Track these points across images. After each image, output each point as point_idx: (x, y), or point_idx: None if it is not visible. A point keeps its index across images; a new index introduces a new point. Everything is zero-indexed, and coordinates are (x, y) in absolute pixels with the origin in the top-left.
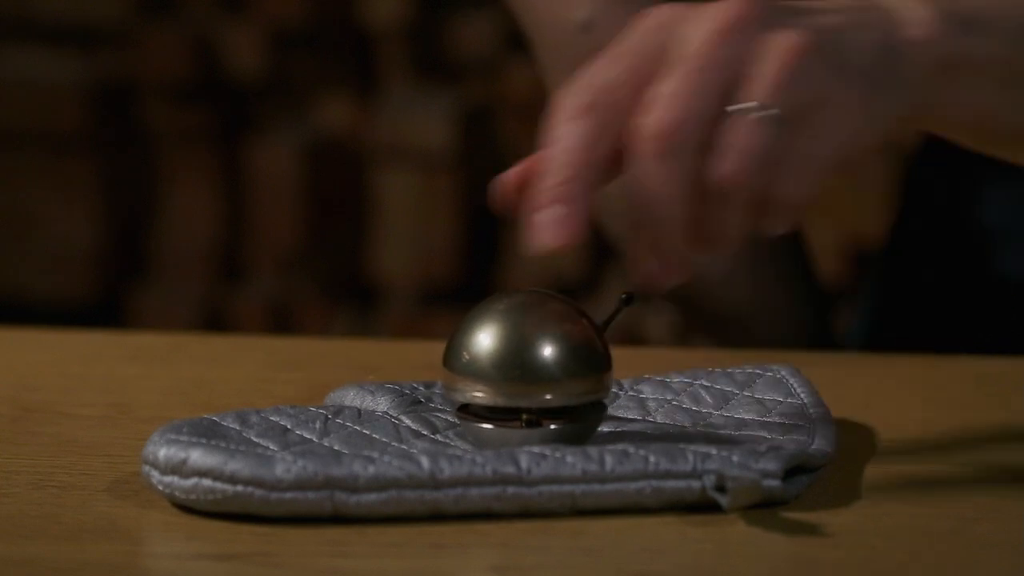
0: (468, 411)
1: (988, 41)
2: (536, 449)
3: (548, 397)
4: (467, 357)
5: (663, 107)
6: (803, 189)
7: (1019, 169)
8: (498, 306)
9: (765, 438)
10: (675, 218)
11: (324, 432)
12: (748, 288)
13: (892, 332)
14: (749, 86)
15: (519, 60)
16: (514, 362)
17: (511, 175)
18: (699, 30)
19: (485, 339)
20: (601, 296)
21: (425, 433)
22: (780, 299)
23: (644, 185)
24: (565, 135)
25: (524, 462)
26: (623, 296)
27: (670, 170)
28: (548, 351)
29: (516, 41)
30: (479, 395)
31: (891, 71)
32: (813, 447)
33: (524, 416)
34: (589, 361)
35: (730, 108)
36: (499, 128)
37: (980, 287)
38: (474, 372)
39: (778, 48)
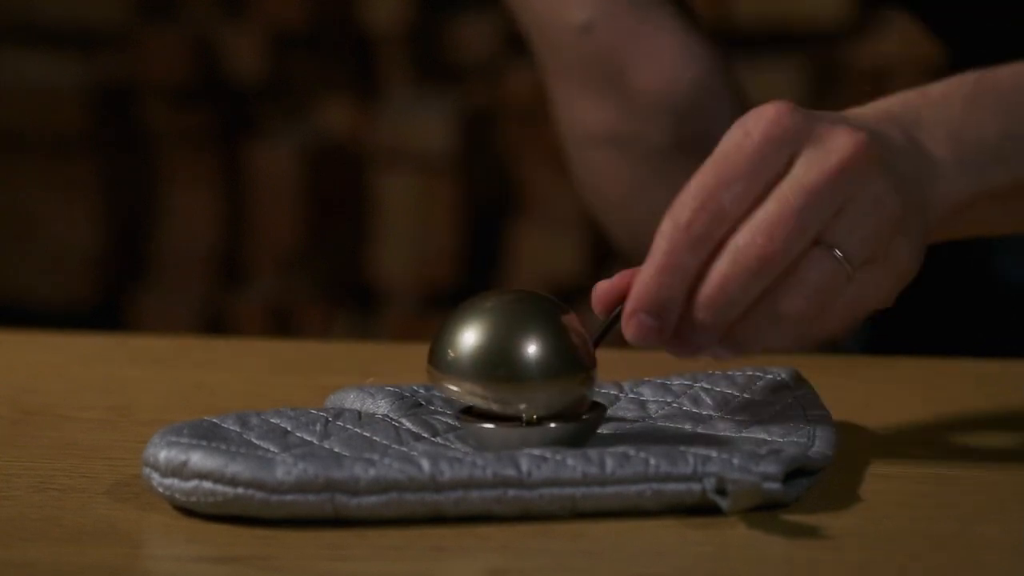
0: (470, 412)
1: (1006, 171)
2: (536, 451)
3: (527, 402)
4: (451, 355)
5: (762, 234)
6: (827, 334)
7: None
8: (484, 304)
9: (765, 440)
10: (725, 324)
11: (325, 434)
12: None
13: (893, 335)
14: (841, 231)
15: (519, 63)
16: (496, 361)
17: (607, 286)
18: (817, 163)
19: (469, 337)
20: None
21: (425, 435)
22: None
23: (716, 290)
24: (676, 260)
25: (525, 465)
26: (616, 311)
27: (747, 288)
28: (529, 350)
29: (516, 44)
30: (456, 391)
31: (924, 230)
32: (813, 449)
33: (525, 416)
34: (570, 360)
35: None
36: (499, 131)
37: (980, 290)
38: (456, 371)
39: (880, 208)
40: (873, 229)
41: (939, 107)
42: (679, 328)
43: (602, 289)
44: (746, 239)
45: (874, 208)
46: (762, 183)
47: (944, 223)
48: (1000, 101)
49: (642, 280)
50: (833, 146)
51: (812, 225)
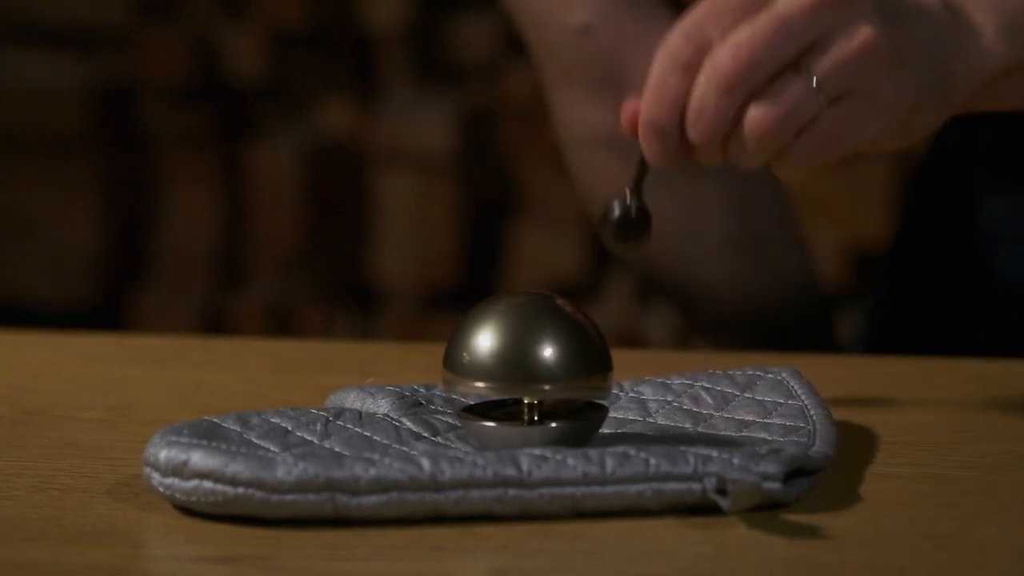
0: (472, 411)
1: None
2: (537, 451)
3: (547, 388)
4: (467, 357)
5: (728, 53)
6: (811, 162)
7: (1019, 174)
8: (499, 306)
9: (765, 440)
10: (715, 140)
11: (325, 434)
12: (749, 290)
13: (894, 335)
14: (813, 59)
15: (519, 63)
16: (514, 361)
17: (633, 105)
18: None
19: (485, 339)
20: (602, 298)
21: (426, 435)
22: (781, 301)
23: (694, 107)
24: (663, 86)
25: (525, 464)
26: (641, 159)
27: (719, 105)
28: (548, 350)
29: (516, 44)
30: (479, 386)
31: (943, 90)
32: (813, 449)
33: (526, 414)
34: (588, 361)
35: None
36: (499, 131)
37: (981, 291)
38: (474, 371)
39: (854, 38)
40: (847, 61)
41: None
42: (684, 148)
43: (629, 108)
44: (714, 57)
45: (850, 41)
46: (749, 18)
47: (982, 92)
48: None
49: (641, 106)
50: None
51: (781, 51)
